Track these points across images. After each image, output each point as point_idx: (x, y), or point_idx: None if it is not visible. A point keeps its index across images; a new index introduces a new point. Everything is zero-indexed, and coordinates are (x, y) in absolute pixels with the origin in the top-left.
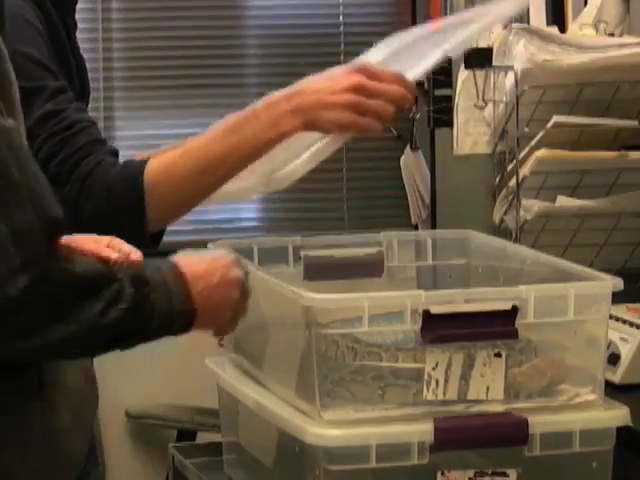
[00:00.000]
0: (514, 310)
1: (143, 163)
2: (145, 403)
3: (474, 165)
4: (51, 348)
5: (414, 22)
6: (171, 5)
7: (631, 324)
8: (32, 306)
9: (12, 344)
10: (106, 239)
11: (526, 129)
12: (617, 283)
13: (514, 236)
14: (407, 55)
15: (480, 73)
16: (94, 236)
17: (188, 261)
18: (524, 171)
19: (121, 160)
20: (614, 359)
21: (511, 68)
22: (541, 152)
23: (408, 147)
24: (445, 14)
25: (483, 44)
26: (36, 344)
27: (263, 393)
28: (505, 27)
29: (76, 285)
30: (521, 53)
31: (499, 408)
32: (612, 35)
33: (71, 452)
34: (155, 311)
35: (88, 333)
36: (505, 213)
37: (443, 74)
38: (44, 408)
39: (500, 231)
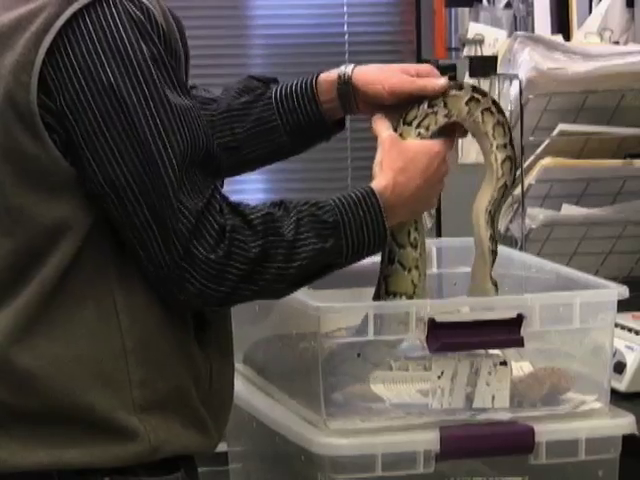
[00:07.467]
0: (519, 318)
1: None
2: None
3: (479, 174)
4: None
5: (418, 32)
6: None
7: (637, 332)
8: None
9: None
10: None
11: (531, 137)
12: (622, 291)
13: (519, 244)
14: None
15: (485, 81)
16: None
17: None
18: (529, 179)
19: None
20: (620, 367)
21: (516, 76)
22: (546, 160)
23: None
24: (450, 23)
25: (488, 52)
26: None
27: (269, 403)
28: (510, 35)
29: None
30: (526, 61)
31: (505, 416)
32: (617, 43)
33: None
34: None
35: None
36: (510, 221)
37: None
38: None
39: (505, 239)
